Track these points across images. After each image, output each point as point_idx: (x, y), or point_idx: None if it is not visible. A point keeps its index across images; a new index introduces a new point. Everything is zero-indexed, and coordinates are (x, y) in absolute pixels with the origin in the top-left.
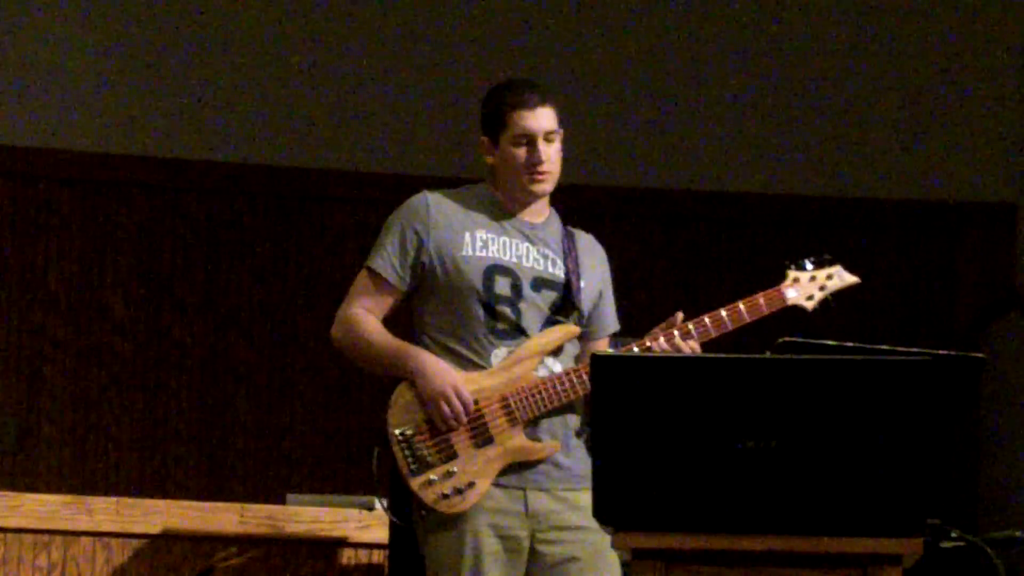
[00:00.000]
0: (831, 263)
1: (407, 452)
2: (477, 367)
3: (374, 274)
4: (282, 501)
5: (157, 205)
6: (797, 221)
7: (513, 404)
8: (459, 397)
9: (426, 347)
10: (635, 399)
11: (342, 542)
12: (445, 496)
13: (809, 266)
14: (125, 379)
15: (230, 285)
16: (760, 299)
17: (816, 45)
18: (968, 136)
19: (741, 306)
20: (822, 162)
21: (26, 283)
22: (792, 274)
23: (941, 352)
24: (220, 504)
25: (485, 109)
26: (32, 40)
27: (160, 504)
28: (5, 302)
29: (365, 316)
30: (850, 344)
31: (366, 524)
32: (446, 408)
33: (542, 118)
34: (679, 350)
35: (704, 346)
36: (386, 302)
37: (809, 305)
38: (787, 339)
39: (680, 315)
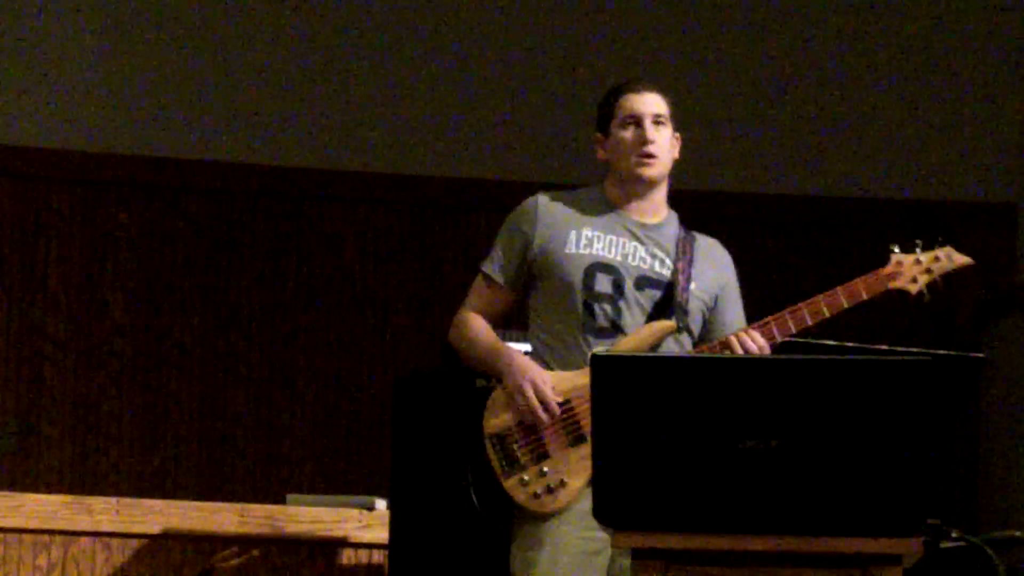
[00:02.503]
0: (941, 244)
1: (500, 453)
2: (575, 365)
3: (485, 276)
4: (282, 501)
5: (157, 205)
6: (797, 221)
7: None
8: (538, 391)
9: (534, 345)
10: (636, 399)
11: (342, 542)
12: (536, 496)
13: (916, 248)
14: (125, 379)
15: (230, 285)
16: (859, 284)
17: (816, 45)
18: (968, 136)
19: (840, 292)
20: (822, 162)
21: (26, 283)
22: (896, 257)
23: (941, 352)
24: (220, 504)
25: (599, 107)
26: (32, 40)
27: (160, 504)
28: (5, 302)
29: (472, 317)
30: (850, 344)
31: (366, 524)
32: (522, 401)
33: (649, 101)
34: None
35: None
36: (496, 302)
37: (913, 288)
38: (787, 339)
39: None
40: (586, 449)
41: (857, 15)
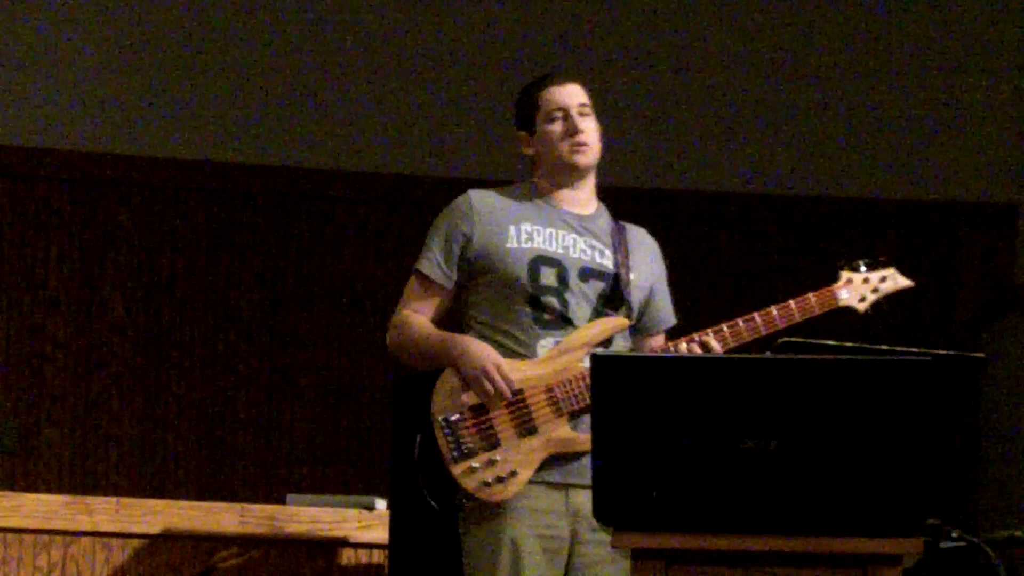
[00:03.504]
0: (885, 265)
1: (450, 438)
2: (523, 358)
3: (421, 276)
4: (282, 501)
5: (157, 205)
6: (797, 221)
7: (559, 394)
8: (501, 375)
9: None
10: (635, 399)
11: (342, 542)
12: (486, 484)
13: (863, 267)
14: (125, 379)
15: (230, 285)
16: (812, 299)
17: (817, 45)
18: (968, 136)
19: (792, 305)
20: (822, 162)
21: (26, 283)
22: (845, 275)
23: (941, 352)
24: (220, 504)
25: (518, 103)
26: (32, 40)
27: (160, 504)
28: (5, 302)
29: (413, 317)
30: (850, 344)
31: (366, 524)
32: (488, 384)
33: (572, 92)
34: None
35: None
36: (436, 302)
37: (861, 307)
38: (787, 339)
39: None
40: (537, 441)
41: (858, 15)
